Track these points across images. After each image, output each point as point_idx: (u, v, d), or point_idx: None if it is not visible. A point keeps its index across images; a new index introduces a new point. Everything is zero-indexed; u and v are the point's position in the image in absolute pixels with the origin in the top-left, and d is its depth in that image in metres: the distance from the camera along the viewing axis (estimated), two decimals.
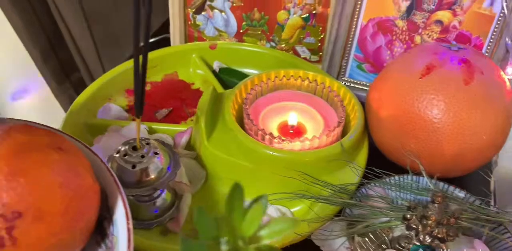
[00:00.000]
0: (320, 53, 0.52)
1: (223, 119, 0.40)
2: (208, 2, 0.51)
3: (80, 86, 0.80)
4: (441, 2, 0.42)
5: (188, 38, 0.54)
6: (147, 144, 0.32)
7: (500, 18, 0.41)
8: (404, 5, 0.44)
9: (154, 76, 0.51)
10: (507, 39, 0.41)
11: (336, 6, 0.46)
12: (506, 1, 0.40)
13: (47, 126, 0.31)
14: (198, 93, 0.51)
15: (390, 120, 0.38)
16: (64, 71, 0.77)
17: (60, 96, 0.79)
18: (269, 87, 0.42)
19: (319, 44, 0.52)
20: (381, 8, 0.45)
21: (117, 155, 0.32)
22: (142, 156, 0.32)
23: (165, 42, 0.59)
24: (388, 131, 0.38)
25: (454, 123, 0.35)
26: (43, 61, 0.71)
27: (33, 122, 0.31)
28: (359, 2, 0.45)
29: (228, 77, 0.51)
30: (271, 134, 0.37)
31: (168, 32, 0.60)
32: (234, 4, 0.51)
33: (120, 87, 0.49)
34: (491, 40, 0.43)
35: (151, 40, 0.59)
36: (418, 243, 0.32)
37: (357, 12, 0.46)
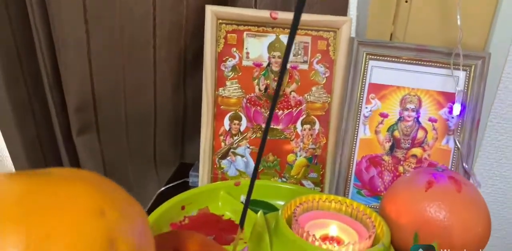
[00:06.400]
0: (321, 185, 0.65)
1: (277, 235, 0.48)
2: (232, 150, 0.64)
3: None
4: (413, 142, 0.60)
5: (213, 179, 0.64)
6: None
7: (455, 151, 0.59)
8: (388, 145, 0.60)
9: (190, 211, 0.58)
10: (464, 164, 0.58)
11: (337, 149, 0.61)
12: (458, 141, 0.58)
13: None
14: (230, 222, 0.58)
15: (408, 225, 0.49)
16: None
17: None
18: (308, 208, 0.52)
19: (320, 178, 0.65)
20: (370, 148, 0.61)
21: None
22: None
23: (185, 184, 0.68)
24: (408, 233, 0.49)
25: (458, 221, 0.47)
26: None
27: None
28: (354, 145, 0.61)
29: (255, 207, 0.60)
30: (331, 237, 0.46)
31: (186, 176, 0.69)
32: (253, 150, 0.64)
33: (166, 222, 0.55)
34: (453, 166, 0.59)
35: (171, 184, 0.68)
36: None
37: (353, 152, 0.61)
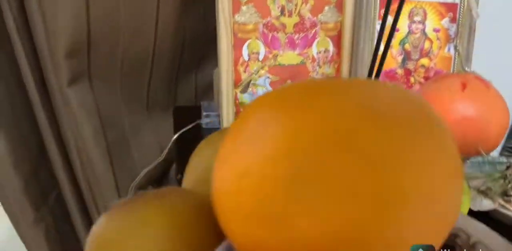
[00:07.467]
0: None
1: None
2: (252, 81, 0.61)
3: (60, 210, 0.72)
4: (421, 53, 0.64)
5: (236, 115, 0.62)
6: None
7: (455, 57, 0.65)
8: (400, 58, 0.64)
9: None
10: (466, 68, 0.64)
11: (356, 69, 0.63)
12: (456, 47, 0.64)
13: None
14: None
15: (451, 125, 0.54)
16: (44, 194, 0.69)
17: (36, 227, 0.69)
18: None
19: None
20: (386, 63, 0.63)
21: None
22: None
23: (197, 128, 0.65)
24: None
25: (493, 114, 0.54)
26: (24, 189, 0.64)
27: None
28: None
29: None
30: None
31: (190, 119, 0.65)
32: (272, 80, 0.62)
33: None
34: (454, 71, 0.66)
35: (185, 129, 0.63)
36: None
37: None
